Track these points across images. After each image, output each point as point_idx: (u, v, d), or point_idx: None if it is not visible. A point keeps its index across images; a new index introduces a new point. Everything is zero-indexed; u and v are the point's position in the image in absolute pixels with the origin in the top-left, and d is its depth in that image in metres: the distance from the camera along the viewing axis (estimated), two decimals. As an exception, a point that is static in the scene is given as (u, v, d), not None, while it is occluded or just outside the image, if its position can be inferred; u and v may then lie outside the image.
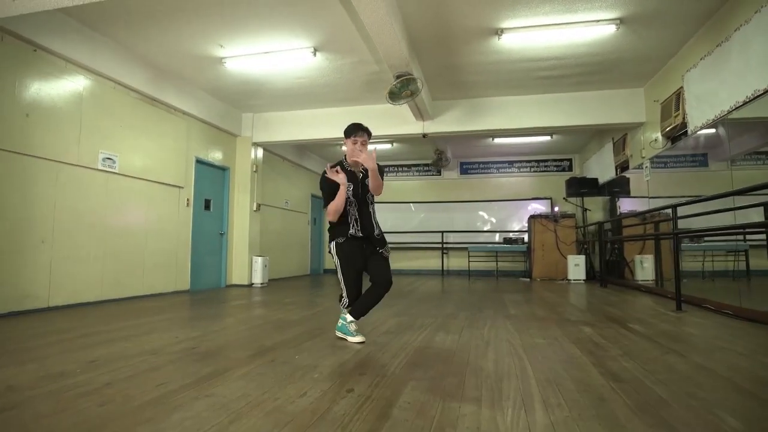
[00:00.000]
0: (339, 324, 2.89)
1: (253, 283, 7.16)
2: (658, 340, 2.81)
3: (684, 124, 4.75)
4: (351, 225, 2.77)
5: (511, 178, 10.50)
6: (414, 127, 6.74)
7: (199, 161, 6.37)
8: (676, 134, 5.06)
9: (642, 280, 6.77)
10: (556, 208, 9.22)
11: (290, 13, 4.19)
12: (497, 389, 1.84)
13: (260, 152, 7.64)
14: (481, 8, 4.07)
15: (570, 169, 10.02)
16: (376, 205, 2.94)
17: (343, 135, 2.91)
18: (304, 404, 1.65)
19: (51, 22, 4.06)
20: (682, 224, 5.24)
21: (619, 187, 7.78)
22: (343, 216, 2.77)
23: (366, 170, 2.77)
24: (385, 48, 4.20)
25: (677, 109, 4.87)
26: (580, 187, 8.28)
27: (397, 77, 4.81)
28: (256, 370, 2.14)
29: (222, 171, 7.08)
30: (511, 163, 10.46)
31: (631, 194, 7.76)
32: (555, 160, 10.16)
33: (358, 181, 2.81)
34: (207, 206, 6.66)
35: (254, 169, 7.41)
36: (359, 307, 2.81)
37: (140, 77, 5.12)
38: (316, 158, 10.71)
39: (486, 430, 1.42)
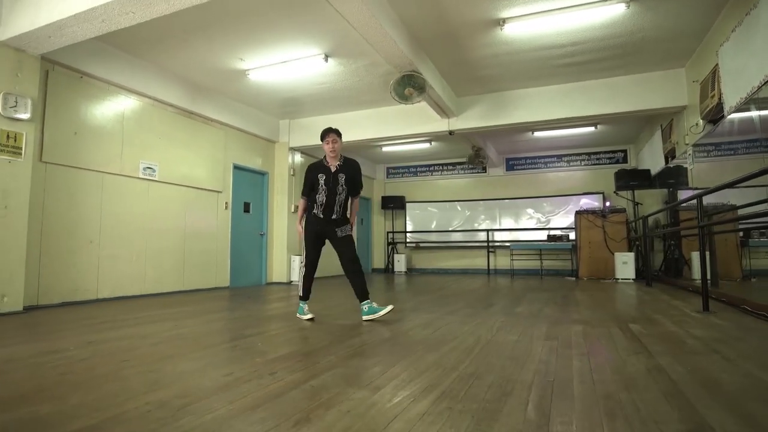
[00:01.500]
0: (364, 309, 3.41)
1: (291, 281, 7.55)
2: (644, 342, 2.62)
3: (720, 105, 4.29)
4: (317, 207, 3.42)
5: (560, 173, 10.00)
6: (439, 124, 6.72)
7: (236, 167, 6.88)
8: (714, 117, 4.57)
9: (698, 279, 6.16)
10: (607, 203, 8.63)
11: (297, 23, 4.42)
12: (405, 378, 1.87)
13: (297, 156, 8.04)
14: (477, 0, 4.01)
15: (625, 161, 9.32)
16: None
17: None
18: (221, 381, 1.82)
19: (94, 51, 4.66)
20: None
21: (674, 178, 7.12)
22: (313, 199, 3.45)
23: (339, 166, 3.46)
24: (383, 49, 4.30)
25: (713, 88, 4.41)
26: (630, 179, 7.70)
27: (402, 77, 4.87)
28: (215, 353, 2.35)
29: (261, 175, 7.56)
30: (559, 157, 9.96)
31: (690, 185, 7.10)
32: (608, 152, 9.51)
33: (331, 173, 3.42)
34: (246, 209, 7.16)
35: (291, 173, 7.82)
36: (357, 291, 3.46)
37: (176, 93, 5.67)
38: (360, 160, 10.90)
39: (357, 412, 1.48)
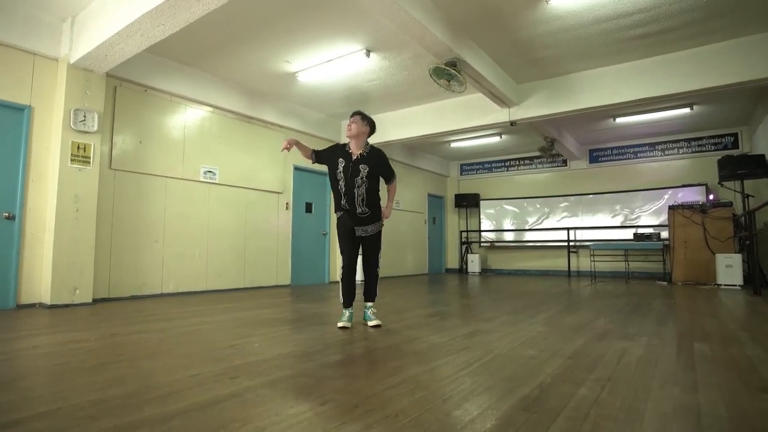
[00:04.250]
0: (368, 314, 3.25)
1: (338, 281, 7.57)
2: (699, 368, 2.11)
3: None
4: (341, 198, 3.14)
5: (653, 164, 8.79)
6: (500, 115, 6.26)
7: (297, 168, 7.08)
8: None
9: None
10: (711, 196, 7.37)
11: (331, 20, 4.38)
12: (341, 405, 1.68)
13: (358, 156, 8.05)
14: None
15: (735, 146, 7.89)
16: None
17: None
18: (181, 382, 1.80)
19: (155, 66, 5.09)
20: None
21: (798, 164, 5.84)
22: (337, 190, 3.19)
23: (362, 156, 3.15)
24: (417, 37, 4.07)
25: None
26: (738, 167, 6.47)
27: (446, 65, 4.58)
28: (204, 352, 2.36)
29: (323, 176, 7.70)
30: (652, 145, 8.75)
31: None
32: (712, 137, 8.12)
33: (351, 161, 3.13)
34: (308, 209, 7.35)
35: (352, 173, 7.85)
36: (364, 293, 3.31)
37: (233, 99, 5.98)
38: (433, 158, 10.69)
39: (286, 425, 1.35)
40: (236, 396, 1.65)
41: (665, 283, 7.10)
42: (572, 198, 9.71)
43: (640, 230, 8.17)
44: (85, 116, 4.28)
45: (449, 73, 4.63)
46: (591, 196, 9.45)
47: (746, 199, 6.62)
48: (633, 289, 6.26)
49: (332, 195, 3.29)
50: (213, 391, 1.70)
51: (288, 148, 3.23)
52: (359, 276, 3.29)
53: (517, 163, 10.58)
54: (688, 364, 2.18)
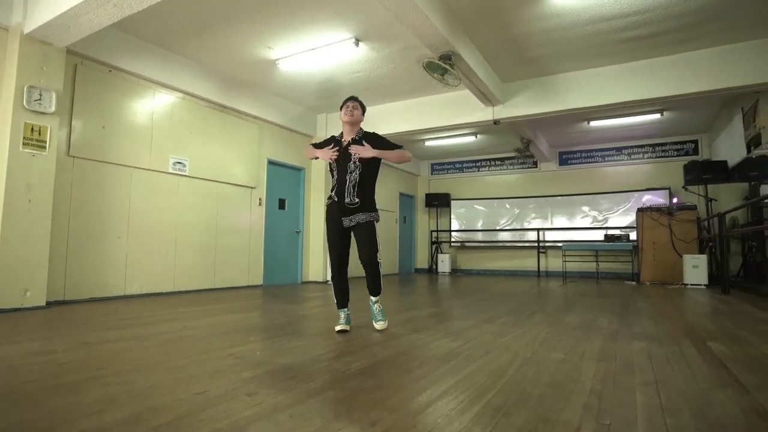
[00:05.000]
0: (375, 312, 3.00)
1: (327, 280, 7.31)
2: (730, 366, 2.06)
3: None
4: (331, 187, 2.98)
5: (619, 167, 9.10)
6: (484, 113, 6.21)
7: (271, 162, 6.72)
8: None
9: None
10: (675, 199, 7.70)
11: (322, 4, 4.13)
12: (410, 411, 1.47)
13: (334, 152, 7.78)
14: (521, -35, 3.52)
15: (695, 152, 8.29)
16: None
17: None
18: (188, 402, 1.51)
19: (122, 44, 4.61)
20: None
21: (757, 170, 6.17)
22: (330, 177, 3.03)
23: (353, 140, 2.94)
24: (414, 25, 3.89)
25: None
26: (702, 172, 6.79)
27: (440, 58, 4.44)
28: (202, 362, 2.07)
29: (297, 171, 7.38)
30: (619, 149, 9.06)
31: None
32: (675, 143, 8.51)
33: (342, 149, 2.94)
34: (282, 206, 6.99)
35: (329, 169, 7.57)
36: (369, 287, 3.00)
37: (206, 86, 5.56)
38: (401, 156, 10.56)
39: (330, 461, 1.11)
40: (264, 418, 1.39)
41: (634, 283, 7.33)
42: (542, 199, 9.89)
43: (611, 232, 8.41)
44: (41, 95, 3.77)
45: (443, 68, 4.50)
46: (560, 197, 9.67)
47: (709, 202, 6.95)
48: (607, 289, 6.40)
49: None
50: (233, 413, 1.43)
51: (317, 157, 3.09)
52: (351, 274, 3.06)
53: (489, 163, 10.66)
54: (716, 362, 2.13)
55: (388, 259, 10.00)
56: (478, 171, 10.81)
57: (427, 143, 9.36)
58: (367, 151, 2.84)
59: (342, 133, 3.03)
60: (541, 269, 9.61)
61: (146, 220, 4.89)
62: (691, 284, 6.39)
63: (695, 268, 6.38)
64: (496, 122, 6.20)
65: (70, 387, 1.68)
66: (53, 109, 3.85)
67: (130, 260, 4.71)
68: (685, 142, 8.40)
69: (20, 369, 1.93)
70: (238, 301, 4.57)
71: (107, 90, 4.57)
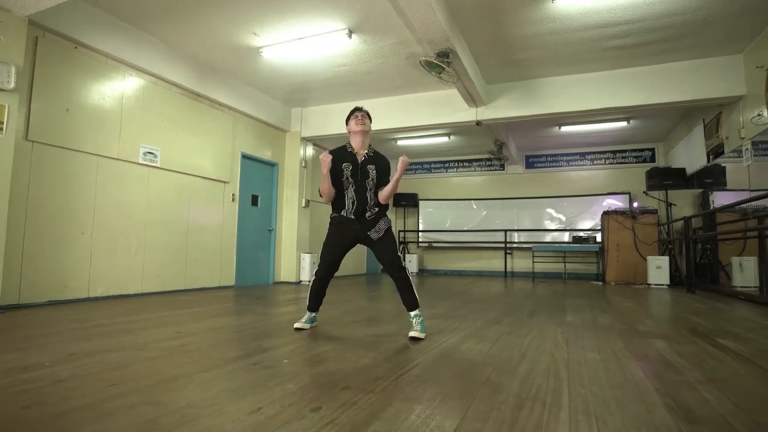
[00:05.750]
0: (414, 324, 2.74)
1: (301, 281, 7.04)
2: (760, 363, 2.11)
3: (800, 91, 3.78)
4: (346, 204, 2.79)
5: (582, 172, 9.49)
6: (467, 114, 6.21)
7: (245, 157, 6.36)
8: (788, 105, 4.07)
9: (742, 287, 5.65)
10: (635, 204, 8.12)
11: (318, -9, 3.92)
12: (509, 420, 1.36)
13: (309, 148, 7.52)
14: (530, -35, 3.51)
15: (652, 160, 8.81)
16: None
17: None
18: (247, 423, 1.30)
19: (91, 19, 4.15)
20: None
21: (712, 178, 6.62)
22: (341, 195, 2.80)
23: (368, 156, 2.81)
24: (419, 19, 3.78)
25: (790, 73, 3.90)
26: (664, 178, 7.19)
27: (437, 55, 4.36)
28: (229, 374, 1.83)
29: (270, 167, 7.05)
30: (583, 155, 9.45)
31: (728, 186, 6.60)
32: (634, 151, 9.00)
33: (358, 164, 2.78)
34: (254, 202, 6.64)
35: (303, 165, 7.30)
36: (404, 300, 2.81)
37: (182, 72, 5.15)
38: (371, 155, 10.45)
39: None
40: (349, 437, 1.22)
41: (600, 283, 7.64)
42: (509, 201, 10.11)
43: (578, 234, 8.73)
44: (-2, 68, 3.29)
45: (440, 67, 4.43)
46: (526, 200, 9.93)
47: (669, 207, 7.39)
48: (579, 288, 6.61)
49: (324, 197, 2.86)
50: (310, 432, 1.24)
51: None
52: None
53: (457, 164, 10.77)
54: (745, 359, 2.18)
55: (356, 259, 9.83)
56: (446, 172, 10.89)
57: (400, 143, 9.29)
58: (400, 169, 2.67)
59: (348, 144, 2.83)
60: (507, 270, 9.82)
61: (113, 215, 4.43)
62: (655, 284, 6.75)
63: (658, 269, 6.75)
64: (478, 123, 6.23)
65: (89, 411, 1.41)
66: (12, 85, 3.36)
67: (94, 259, 4.24)
68: (643, 150, 8.90)
69: (10, 389, 1.61)
70: (218, 304, 4.24)
71: (72, 68, 4.08)
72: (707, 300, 5.00)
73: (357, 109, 2.84)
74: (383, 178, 2.82)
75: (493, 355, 2.26)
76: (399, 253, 2.80)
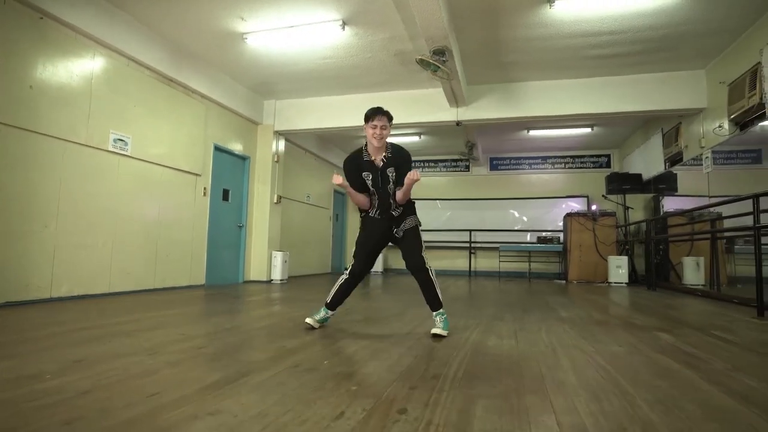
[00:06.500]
0: (437, 322, 2.67)
1: (272, 280, 6.78)
2: (764, 352, 2.27)
3: (761, 105, 4.15)
4: (372, 206, 2.76)
5: (543, 175, 9.90)
6: (448, 114, 6.25)
7: (217, 148, 6.02)
8: (748, 118, 4.45)
9: (692, 284, 6.14)
10: (594, 207, 8.58)
11: (318, -23, 3.78)
12: (600, 413, 1.35)
13: (282, 142, 7.26)
14: (534, -31, 3.58)
15: (608, 165, 9.37)
16: None
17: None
18: (342, 429, 1.20)
19: (59, -13, 3.74)
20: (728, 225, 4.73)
21: (665, 184, 7.14)
22: (368, 196, 2.76)
23: (387, 159, 2.66)
24: (423, 14, 3.75)
25: (752, 88, 4.27)
26: (623, 183, 7.65)
27: (433, 53, 4.35)
28: (276, 378, 1.69)
29: (242, 160, 6.73)
30: (544, 159, 9.86)
31: (679, 191, 7.13)
32: (592, 156, 9.52)
33: (378, 171, 2.66)
34: (225, 197, 6.30)
35: (276, 159, 7.03)
36: (427, 302, 2.76)
37: (157, 55, 4.78)
38: (339, 152, 10.32)
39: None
40: (460, 439, 1.15)
41: (563, 282, 7.99)
42: (473, 202, 10.33)
43: (543, 234, 9.08)
44: (-43, 35, 2.86)
45: (435, 66, 4.42)
46: (490, 201, 10.20)
47: (627, 210, 7.88)
48: (546, 287, 6.87)
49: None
50: (414, 436, 1.16)
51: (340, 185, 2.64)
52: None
53: (423, 165, 10.85)
54: (748, 349, 2.34)
55: (322, 257, 9.65)
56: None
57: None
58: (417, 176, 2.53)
59: (365, 148, 2.68)
60: (471, 269, 10.03)
61: (80, 207, 4.02)
62: (615, 282, 7.16)
63: (618, 268, 7.16)
64: (458, 123, 6.31)
65: (145, 425, 1.23)
66: (-27, 55, 2.95)
67: (59, 255, 3.82)
68: (600, 156, 9.43)
69: (31, 402, 1.39)
70: (200, 304, 3.97)
71: (37, 41, 3.65)
72: (669, 296, 5.36)
73: (376, 113, 2.58)
74: (403, 168, 2.64)
75: (525, 350, 2.27)
76: (423, 254, 2.73)
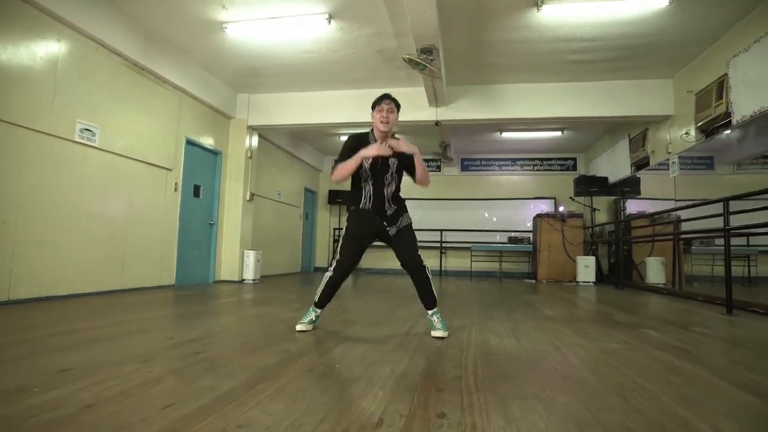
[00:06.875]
0: (434, 322, 2.65)
1: (244, 279, 6.55)
2: (750, 346, 2.39)
3: (727, 114, 4.40)
4: (363, 197, 2.61)
5: (513, 177, 10.13)
6: (427, 113, 6.25)
7: (189, 142, 5.74)
8: (714, 126, 4.71)
9: (654, 283, 6.45)
10: (561, 208, 8.87)
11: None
12: (633, 410, 1.35)
13: (255, 138, 7.03)
14: (525, -28, 3.63)
15: (574, 168, 9.71)
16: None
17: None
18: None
19: (23, -39, 3.42)
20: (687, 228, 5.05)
21: (629, 187, 7.47)
22: (358, 187, 2.62)
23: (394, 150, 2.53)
24: (416, 11, 3.71)
25: (719, 98, 4.52)
26: (590, 185, 7.95)
27: (421, 51, 4.33)
28: (293, 384, 1.60)
29: (214, 155, 6.45)
30: (513, 160, 10.09)
31: (642, 194, 7.48)
32: (559, 159, 9.84)
33: (378, 157, 2.53)
34: (196, 193, 6.03)
35: (249, 155, 6.80)
36: (423, 300, 2.72)
37: (129, 40, 4.49)
38: (312, 149, 10.16)
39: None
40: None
41: (533, 281, 8.21)
42: (444, 202, 10.42)
43: (513, 234, 9.27)
44: None
45: (422, 65, 4.40)
46: (461, 201, 10.32)
47: (593, 211, 8.18)
48: (518, 286, 7.03)
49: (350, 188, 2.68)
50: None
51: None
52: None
53: (394, 165, 10.83)
54: (733, 343, 2.46)
55: (292, 256, 9.44)
56: (384, 171, 10.90)
57: (343, 138, 9.10)
58: (407, 147, 2.51)
59: (371, 133, 2.63)
60: (442, 269, 10.11)
61: (42, 201, 3.70)
62: (583, 281, 7.42)
63: (586, 268, 7.43)
64: (437, 123, 6.32)
65: (177, 435, 1.12)
66: (-74, 30, 2.64)
67: (18, 254, 3.50)
68: (567, 159, 9.76)
69: (31, 419, 1.23)
70: (178, 306, 3.76)
71: (-3, 19, 3.33)
72: (637, 295, 5.60)
73: (385, 98, 2.54)
74: (408, 158, 2.58)
75: (531, 349, 2.27)
76: (419, 252, 2.68)
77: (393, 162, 2.58)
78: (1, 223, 3.38)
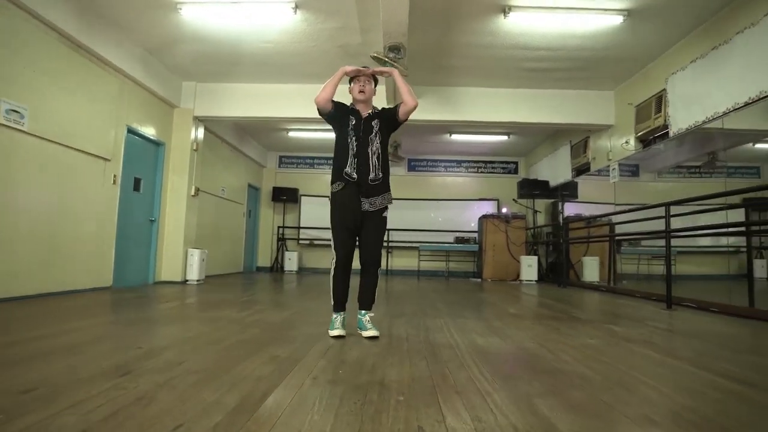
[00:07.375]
0: (364, 322, 2.57)
1: (187, 280, 6.12)
2: (709, 339, 2.63)
3: (665, 126, 4.83)
4: (348, 161, 2.53)
5: (458, 178, 10.42)
6: (383, 112, 6.22)
7: (131, 131, 5.25)
8: (652, 137, 5.15)
9: (590, 281, 6.96)
10: (504, 209, 9.26)
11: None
12: (647, 403, 1.41)
13: (201, 129, 6.60)
14: (496, -21, 3.72)
15: (516, 171, 10.19)
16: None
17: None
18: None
19: None
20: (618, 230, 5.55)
21: (568, 191, 7.98)
22: (343, 152, 2.55)
23: (374, 112, 2.66)
24: (389, 8, 3.68)
25: (658, 111, 4.95)
26: (533, 188, 8.38)
27: (389, 49, 4.29)
28: (306, 393, 1.49)
29: (156, 146, 5.96)
30: (459, 162, 10.37)
31: (579, 198, 8.03)
32: (502, 162, 10.27)
33: (362, 118, 2.61)
34: (137, 186, 5.52)
35: (194, 148, 6.36)
36: (362, 299, 2.65)
37: (67, 14, 3.99)
38: (257, 145, 9.76)
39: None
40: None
41: (479, 280, 8.49)
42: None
43: (460, 234, 9.51)
44: None
45: (390, 64, 4.36)
46: (407, 201, 10.41)
47: (535, 213, 8.63)
48: (467, 285, 7.24)
49: (333, 162, 2.62)
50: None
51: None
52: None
53: (342, 163, 10.71)
54: (693, 336, 2.69)
55: (235, 255, 9.00)
56: (329, 168, 10.72)
57: (291, 134, 8.85)
58: (385, 69, 2.72)
59: (353, 105, 2.69)
60: (387, 268, 10.14)
61: (-41, 192, 3.19)
62: (526, 280, 7.80)
63: (529, 267, 7.82)
64: (395, 123, 6.31)
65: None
66: None
67: (-72, 252, 2.98)
68: (509, 162, 10.22)
69: (14, 449, 1.03)
70: (127, 310, 3.42)
71: None
72: (580, 292, 5.99)
73: (361, 71, 2.63)
74: (392, 116, 2.65)
75: (520, 346, 2.34)
76: (382, 248, 2.65)
77: (376, 124, 2.60)
78: None
